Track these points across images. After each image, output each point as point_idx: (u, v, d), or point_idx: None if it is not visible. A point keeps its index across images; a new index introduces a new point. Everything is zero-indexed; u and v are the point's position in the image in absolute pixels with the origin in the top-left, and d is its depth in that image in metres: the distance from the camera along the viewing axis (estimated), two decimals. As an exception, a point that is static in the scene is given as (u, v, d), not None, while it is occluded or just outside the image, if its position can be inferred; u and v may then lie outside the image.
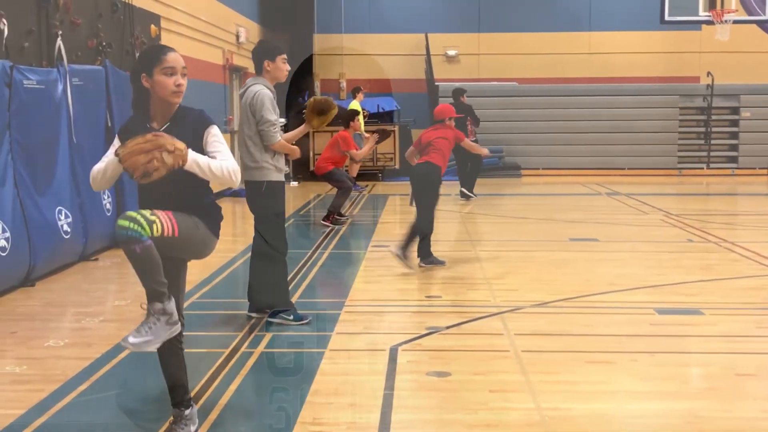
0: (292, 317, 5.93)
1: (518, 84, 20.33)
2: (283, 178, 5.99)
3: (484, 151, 9.36)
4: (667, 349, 5.43)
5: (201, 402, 4.34)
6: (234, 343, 5.47)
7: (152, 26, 11.25)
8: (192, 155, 3.50)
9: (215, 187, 3.88)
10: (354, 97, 16.15)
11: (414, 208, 8.21)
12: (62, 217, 7.95)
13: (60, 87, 8.13)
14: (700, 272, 7.95)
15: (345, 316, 6.24)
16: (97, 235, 8.72)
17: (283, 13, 19.61)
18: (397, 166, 18.70)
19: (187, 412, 3.84)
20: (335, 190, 11.65)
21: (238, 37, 16.68)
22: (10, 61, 7.24)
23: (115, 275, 8.13)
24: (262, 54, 5.96)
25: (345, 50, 21.03)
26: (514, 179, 18.83)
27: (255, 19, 18.57)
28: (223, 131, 14.59)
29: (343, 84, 21.05)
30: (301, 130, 6.41)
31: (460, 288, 7.35)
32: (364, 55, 20.76)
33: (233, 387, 4.62)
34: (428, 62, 20.52)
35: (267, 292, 5.99)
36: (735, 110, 19.76)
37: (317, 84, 20.73)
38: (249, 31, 17.43)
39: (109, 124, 9.13)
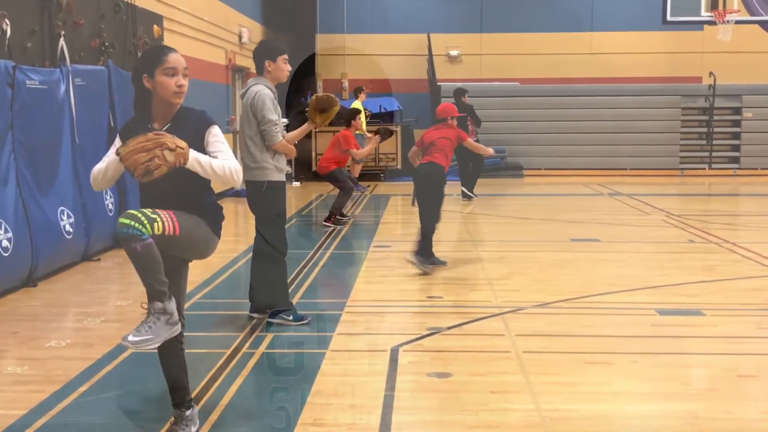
0: (291, 317, 5.94)
1: (520, 84, 20.34)
2: (283, 178, 5.99)
3: (489, 151, 9.17)
4: (668, 350, 5.43)
5: (202, 403, 4.34)
6: (235, 344, 5.47)
7: (155, 26, 11.26)
8: (193, 154, 3.51)
9: (217, 187, 3.89)
10: (356, 98, 16.15)
11: (416, 209, 8.21)
12: (64, 217, 7.97)
13: (63, 87, 8.14)
14: (701, 273, 7.94)
15: (346, 316, 6.24)
16: (100, 235, 8.73)
17: (285, 13, 19.62)
18: (399, 167, 18.71)
19: (188, 412, 3.85)
20: (337, 190, 11.66)
21: (240, 37, 16.70)
22: (13, 62, 7.25)
23: (117, 275, 8.14)
24: (263, 54, 5.97)
25: (347, 50, 21.06)
26: (516, 179, 18.83)
27: (257, 20, 18.59)
28: (226, 131, 14.59)
29: (346, 84, 21.06)
30: (304, 128, 6.41)
31: (462, 288, 7.35)
32: (367, 55, 20.78)
33: (234, 388, 4.62)
34: (430, 62, 20.52)
35: (266, 292, 6.00)
36: (737, 110, 19.75)
37: (320, 84, 20.75)
38: (251, 31, 17.44)
39: (112, 125, 9.14)
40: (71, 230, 8.05)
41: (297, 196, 15.18)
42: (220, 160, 3.60)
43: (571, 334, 5.79)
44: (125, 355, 5.17)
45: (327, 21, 21.00)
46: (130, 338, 3.48)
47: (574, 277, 7.77)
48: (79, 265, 8.34)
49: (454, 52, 21.49)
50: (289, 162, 6.31)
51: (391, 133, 13.11)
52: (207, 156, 3.59)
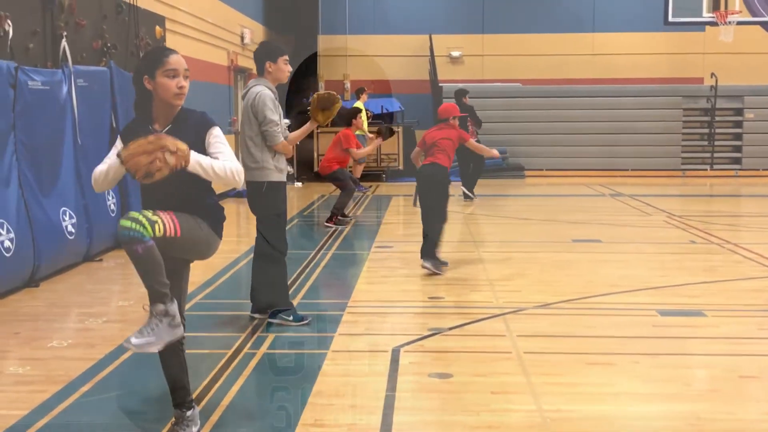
0: (291, 318, 5.94)
1: (522, 85, 20.33)
2: (284, 179, 5.99)
3: (494, 152, 8.94)
4: (670, 350, 5.43)
5: (203, 403, 4.35)
6: (236, 344, 5.48)
7: (157, 27, 11.27)
8: (194, 156, 3.51)
9: (218, 188, 3.90)
10: (358, 98, 16.16)
11: (418, 209, 8.21)
12: (66, 218, 7.98)
13: (65, 88, 8.15)
14: (702, 274, 7.94)
15: (347, 317, 6.25)
16: (102, 235, 8.74)
17: (287, 14, 19.64)
18: (400, 167, 18.71)
19: (188, 413, 3.85)
20: (339, 191, 11.66)
21: (242, 38, 16.71)
22: (15, 62, 7.26)
23: (119, 276, 8.15)
24: (263, 55, 5.99)
25: (349, 51, 21.07)
26: (517, 180, 18.82)
27: (259, 20, 18.60)
28: (228, 132, 14.59)
29: (347, 85, 21.06)
30: (306, 128, 6.38)
31: (463, 289, 7.36)
32: (368, 56, 20.79)
33: (235, 388, 4.63)
34: (432, 63, 20.52)
35: (267, 292, 6.01)
36: (739, 111, 19.73)
37: (321, 85, 20.75)
38: (253, 32, 17.45)
39: (114, 125, 9.15)
40: (73, 231, 8.06)
41: (299, 197, 15.19)
42: (221, 161, 3.61)
43: (572, 334, 5.79)
44: (127, 355, 5.17)
45: (329, 22, 21.01)
46: (133, 340, 3.48)
47: (576, 277, 7.77)
48: (81, 266, 8.35)
49: (455, 53, 21.49)
50: (290, 162, 6.30)
51: (392, 132, 13.11)
52: (208, 157, 3.59)
